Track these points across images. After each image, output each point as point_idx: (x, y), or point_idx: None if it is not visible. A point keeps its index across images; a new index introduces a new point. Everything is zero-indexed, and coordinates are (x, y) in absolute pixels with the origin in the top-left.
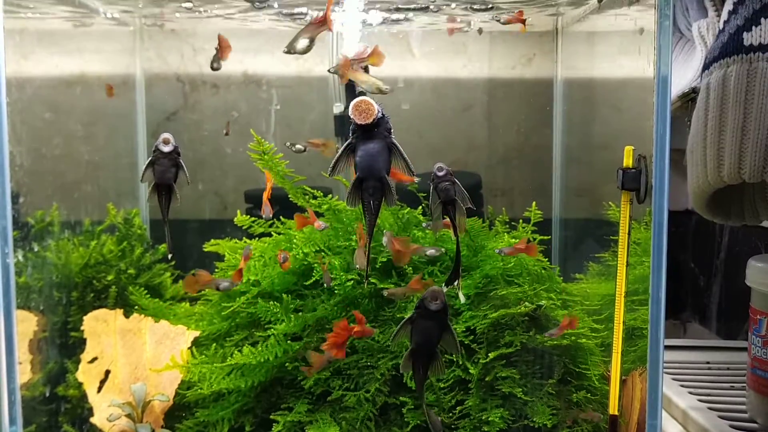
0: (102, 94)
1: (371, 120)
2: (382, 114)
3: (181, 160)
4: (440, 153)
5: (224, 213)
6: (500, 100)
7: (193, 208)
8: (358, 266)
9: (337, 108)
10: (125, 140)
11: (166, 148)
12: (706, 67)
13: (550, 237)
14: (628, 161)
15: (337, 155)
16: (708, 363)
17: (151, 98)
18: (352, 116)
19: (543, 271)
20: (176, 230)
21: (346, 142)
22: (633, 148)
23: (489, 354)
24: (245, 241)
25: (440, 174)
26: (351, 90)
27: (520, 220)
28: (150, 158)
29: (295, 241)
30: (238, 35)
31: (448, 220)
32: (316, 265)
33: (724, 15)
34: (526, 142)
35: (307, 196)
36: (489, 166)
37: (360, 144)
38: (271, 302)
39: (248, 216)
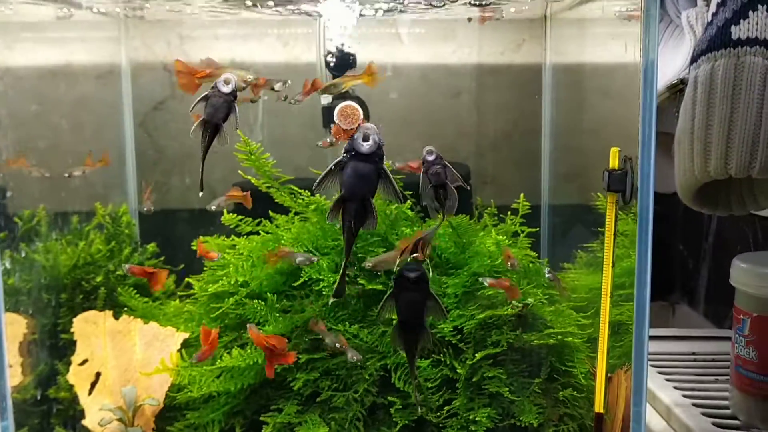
0: (88, 84)
1: (356, 124)
2: (380, 142)
3: (235, 104)
4: (428, 140)
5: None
6: (489, 86)
7: (182, 198)
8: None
9: (325, 99)
10: (112, 131)
11: (225, 89)
12: (694, 60)
13: (538, 229)
14: (613, 163)
15: (325, 171)
16: (693, 354)
17: (137, 88)
18: (337, 121)
19: (531, 265)
20: (165, 221)
21: (337, 159)
22: (619, 149)
23: (476, 354)
24: (233, 239)
25: (430, 158)
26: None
27: (509, 212)
28: (206, 93)
29: (283, 241)
30: (225, 22)
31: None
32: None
33: (713, 7)
34: (514, 128)
35: (293, 195)
36: (478, 153)
37: (350, 164)
38: (257, 301)
39: (238, 212)
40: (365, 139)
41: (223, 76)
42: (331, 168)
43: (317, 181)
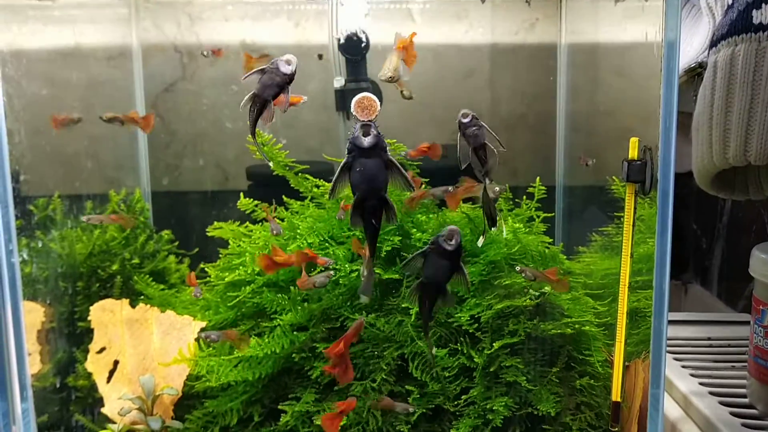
0: (99, 65)
1: (374, 116)
2: (379, 134)
3: (289, 87)
4: (443, 121)
5: (226, 184)
6: (503, 66)
7: (195, 180)
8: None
9: (338, 82)
10: (123, 112)
11: (285, 68)
12: (714, 44)
13: (553, 214)
14: (633, 153)
15: (335, 176)
16: (709, 338)
17: (148, 69)
18: (354, 112)
19: (546, 251)
20: (178, 203)
21: (342, 162)
22: (638, 139)
23: (494, 344)
24: (247, 225)
25: (466, 120)
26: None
27: (524, 197)
28: (263, 67)
29: (299, 231)
30: (235, 3)
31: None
32: (320, 254)
33: None
34: (529, 109)
35: (309, 183)
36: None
37: (357, 163)
38: (281, 296)
39: (251, 197)
40: (365, 134)
41: (286, 56)
42: (339, 171)
43: (331, 188)
